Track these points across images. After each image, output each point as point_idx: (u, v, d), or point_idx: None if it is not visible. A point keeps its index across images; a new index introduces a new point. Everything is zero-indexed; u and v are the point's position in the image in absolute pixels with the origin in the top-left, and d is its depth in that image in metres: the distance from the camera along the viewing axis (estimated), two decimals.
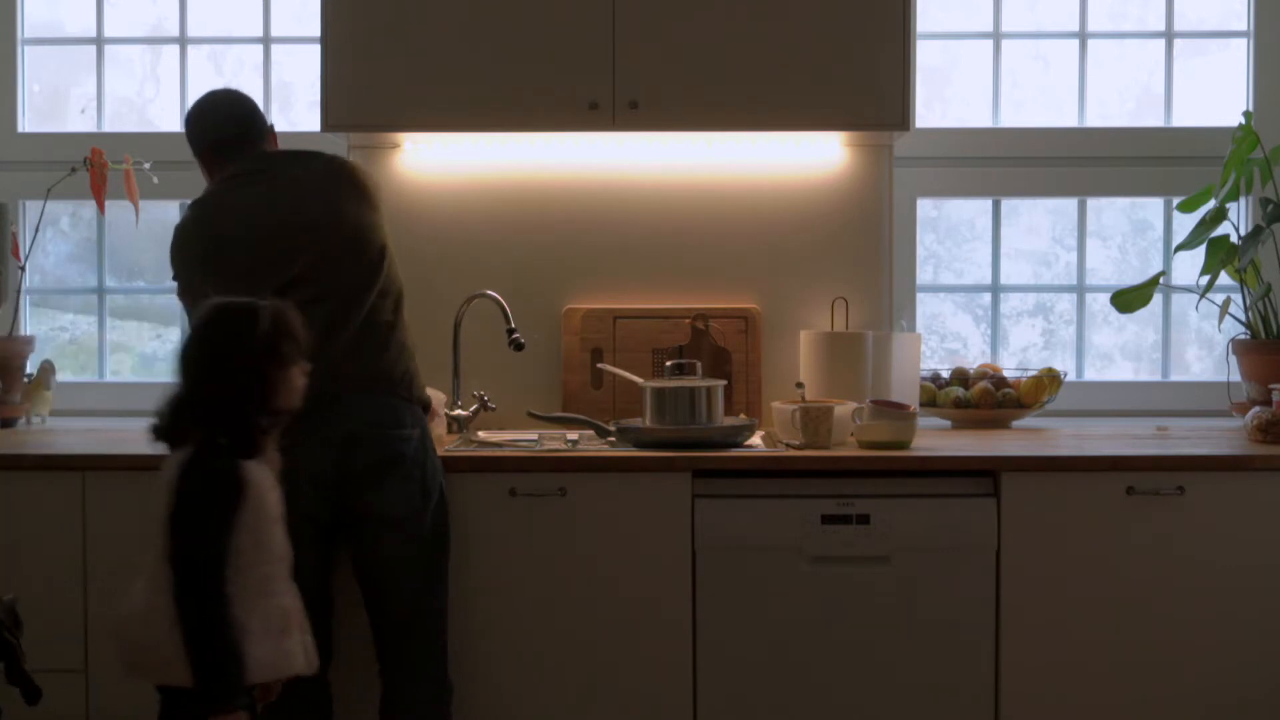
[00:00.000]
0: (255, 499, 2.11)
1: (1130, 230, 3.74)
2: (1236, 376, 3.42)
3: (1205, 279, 3.41)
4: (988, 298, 3.71)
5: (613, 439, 2.98)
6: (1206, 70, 3.69)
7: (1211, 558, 2.78)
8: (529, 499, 2.77)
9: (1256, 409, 3.07)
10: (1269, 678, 2.80)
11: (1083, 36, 3.67)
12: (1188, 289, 3.55)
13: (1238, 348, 3.41)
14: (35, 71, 3.74)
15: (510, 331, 3.17)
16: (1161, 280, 3.48)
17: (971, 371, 3.47)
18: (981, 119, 3.67)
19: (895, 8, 3.08)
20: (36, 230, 3.50)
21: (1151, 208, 3.71)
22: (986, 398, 3.35)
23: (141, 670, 2.13)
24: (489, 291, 3.22)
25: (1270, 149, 3.40)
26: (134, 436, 3.12)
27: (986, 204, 3.68)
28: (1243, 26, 3.65)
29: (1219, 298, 3.42)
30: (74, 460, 2.82)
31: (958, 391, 3.38)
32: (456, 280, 3.33)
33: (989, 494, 2.78)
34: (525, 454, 2.85)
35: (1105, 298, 3.55)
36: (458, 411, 3.19)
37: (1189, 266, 3.57)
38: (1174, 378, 3.69)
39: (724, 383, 3.03)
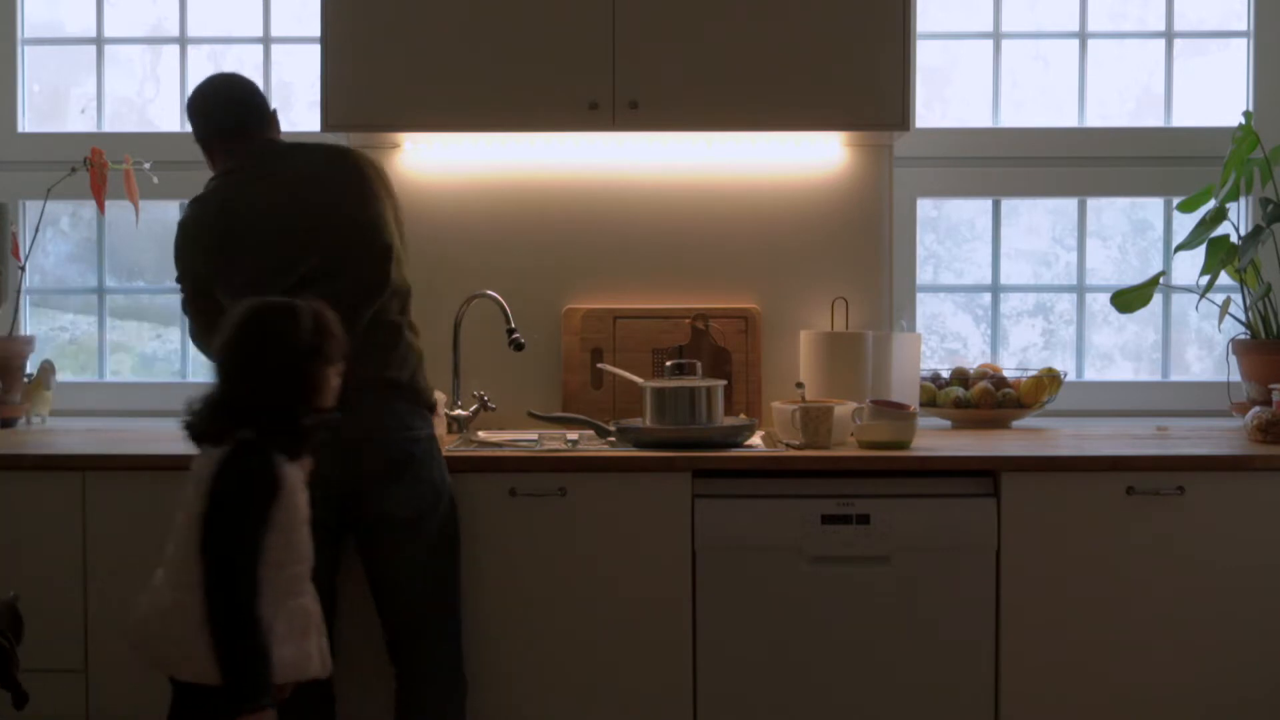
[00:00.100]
0: (288, 498, 2.10)
1: (1130, 230, 3.74)
2: (1236, 376, 3.42)
3: (1205, 279, 3.41)
4: (988, 298, 3.71)
5: (613, 439, 2.98)
6: (1206, 70, 3.69)
7: (1211, 558, 2.78)
8: (529, 499, 2.77)
9: (1256, 409, 3.07)
10: (1269, 678, 2.80)
11: (1083, 36, 3.67)
12: (1188, 289, 3.55)
13: (1238, 348, 3.41)
14: (35, 71, 3.74)
15: (510, 331, 3.17)
16: (1161, 280, 3.48)
17: (971, 371, 3.47)
18: (981, 119, 3.67)
19: (895, 8, 3.08)
20: (36, 230, 3.50)
21: (1151, 208, 3.71)
22: (986, 398, 3.35)
23: (163, 665, 2.12)
24: (489, 291, 3.22)
25: (1270, 149, 3.40)
26: (134, 436, 3.16)
27: (986, 204, 3.68)
28: (1243, 26, 3.65)
29: (1219, 298, 3.42)
30: (74, 460, 2.81)
31: (958, 391, 3.38)
32: (456, 280, 3.33)
33: (989, 494, 2.78)
34: (525, 454, 2.85)
35: (1105, 298, 3.55)
36: (458, 411, 3.19)
37: (1189, 266, 3.57)
38: (1174, 378, 3.69)
39: (724, 383, 3.03)
